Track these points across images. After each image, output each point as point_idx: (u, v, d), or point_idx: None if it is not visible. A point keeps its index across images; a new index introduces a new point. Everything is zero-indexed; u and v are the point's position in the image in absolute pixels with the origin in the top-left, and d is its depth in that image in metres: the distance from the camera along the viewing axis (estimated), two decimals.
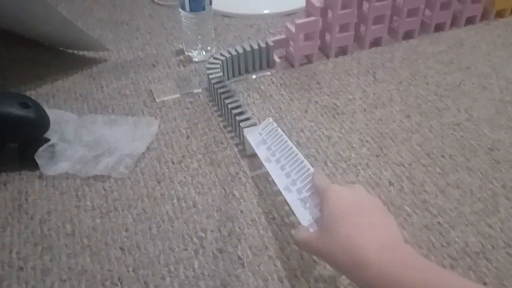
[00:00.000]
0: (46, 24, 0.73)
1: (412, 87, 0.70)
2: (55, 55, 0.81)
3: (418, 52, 0.78)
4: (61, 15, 0.69)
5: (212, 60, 0.71)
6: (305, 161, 0.47)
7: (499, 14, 0.86)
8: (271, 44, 0.74)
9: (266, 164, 0.51)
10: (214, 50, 0.80)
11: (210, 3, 0.74)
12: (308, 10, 0.75)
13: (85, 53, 0.81)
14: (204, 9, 0.73)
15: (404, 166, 0.57)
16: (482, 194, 0.53)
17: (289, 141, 0.51)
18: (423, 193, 0.53)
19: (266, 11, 0.94)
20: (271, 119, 0.55)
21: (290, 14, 0.93)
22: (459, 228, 0.49)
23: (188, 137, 0.63)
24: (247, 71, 0.75)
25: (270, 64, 0.76)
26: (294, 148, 0.49)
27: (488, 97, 0.68)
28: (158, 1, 0.97)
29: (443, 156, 0.58)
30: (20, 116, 0.56)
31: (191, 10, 0.73)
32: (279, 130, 0.53)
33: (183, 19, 0.75)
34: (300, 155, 0.48)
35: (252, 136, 0.56)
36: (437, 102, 0.67)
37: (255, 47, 0.73)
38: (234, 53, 0.72)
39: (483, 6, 0.84)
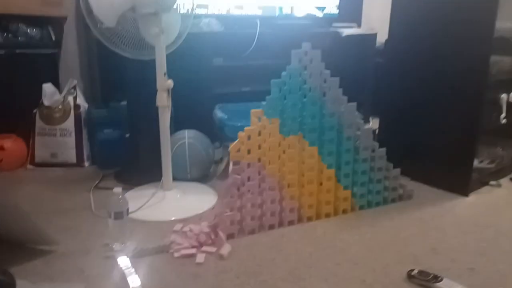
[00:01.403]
0: (21, 230, 1.20)
1: (248, 262, 1.19)
2: (23, 248, 1.24)
3: (256, 242, 1.29)
4: (35, 225, 1.16)
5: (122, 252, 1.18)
6: None
7: (309, 219, 1.43)
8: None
9: None
10: (129, 243, 1.26)
11: (127, 214, 1.25)
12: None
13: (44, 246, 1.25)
14: (123, 218, 1.23)
15: None
16: None
17: None
18: None
19: (173, 218, 1.45)
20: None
21: (186, 220, 1.44)
22: None
23: None
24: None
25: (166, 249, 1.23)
26: None
27: (290, 266, 1.16)
28: (97, 214, 1.48)
29: None
30: (2, 280, 0.97)
31: (115, 218, 1.23)
32: None
33: (109, 224, 1.24)
34: None
35: None
36: (258, 267, 1.15)
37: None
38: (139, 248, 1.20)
39: (297, 214, 1.40)
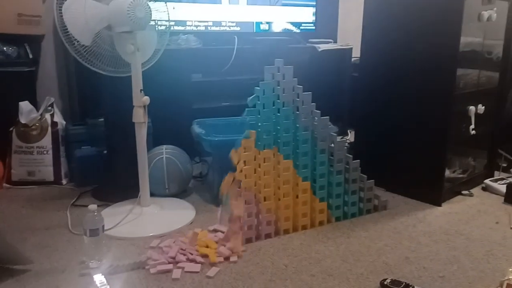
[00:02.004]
0: None
1: (225, 276, 1.19)
2: None
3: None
4: (8, 244, 1.15)
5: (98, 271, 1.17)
6: None
7: (286, 231, 1.44)
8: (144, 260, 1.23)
9: None
10: (105, 261, 1.26)
11: (103, 230, 1.25)
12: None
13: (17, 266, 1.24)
14: (98, 235, 1.23)
15: None
16: None
17: None
18: None
19: (150, 234, 1.45)
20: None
21: (165, 235, 1.44)
22: None
23: None
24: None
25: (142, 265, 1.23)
26: None
27: (265, 279, 1.17)
28: (74, 232, 1.47)
29: None
30: None
31: (90, 235, 1.22)
32: None
33: (85, 241, 1.23)
34: None
35: None
36: (234, 281, 1.15)
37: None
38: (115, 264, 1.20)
39: (274, 227, 1.42)
